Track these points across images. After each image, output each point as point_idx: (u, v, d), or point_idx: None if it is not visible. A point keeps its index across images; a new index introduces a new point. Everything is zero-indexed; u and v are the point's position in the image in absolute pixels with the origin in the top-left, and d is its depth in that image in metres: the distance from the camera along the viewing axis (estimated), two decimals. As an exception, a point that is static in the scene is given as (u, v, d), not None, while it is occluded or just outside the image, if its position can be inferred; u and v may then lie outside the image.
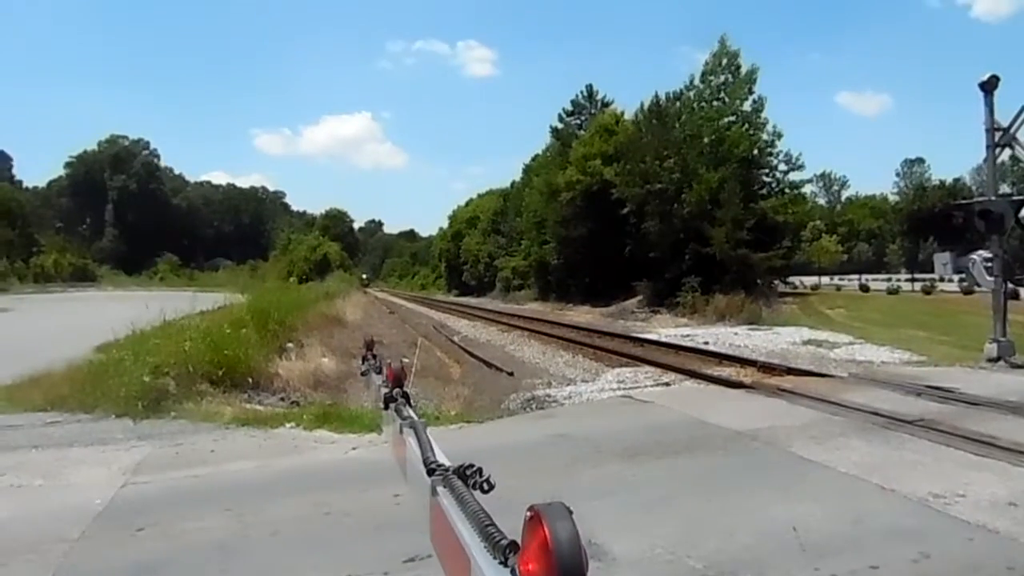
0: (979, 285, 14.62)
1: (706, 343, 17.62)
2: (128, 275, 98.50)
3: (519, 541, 0.92)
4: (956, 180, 76.83)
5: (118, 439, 7.52)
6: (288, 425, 8.16)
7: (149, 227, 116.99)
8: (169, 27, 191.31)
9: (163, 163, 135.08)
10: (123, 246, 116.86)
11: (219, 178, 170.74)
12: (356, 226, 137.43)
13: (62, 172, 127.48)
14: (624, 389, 11.27)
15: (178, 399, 9.01)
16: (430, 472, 1.35)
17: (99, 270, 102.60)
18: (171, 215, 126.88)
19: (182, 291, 21.60)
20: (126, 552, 4.46)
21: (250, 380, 10.49)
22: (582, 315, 32.41)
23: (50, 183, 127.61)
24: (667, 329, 23.11)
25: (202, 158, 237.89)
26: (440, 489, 1.27)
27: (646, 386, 11.56)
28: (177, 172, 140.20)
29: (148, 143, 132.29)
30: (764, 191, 32.07)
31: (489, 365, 15.31)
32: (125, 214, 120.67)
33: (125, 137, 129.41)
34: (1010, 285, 13.90)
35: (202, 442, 7.39)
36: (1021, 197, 13.71)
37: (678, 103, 34.34)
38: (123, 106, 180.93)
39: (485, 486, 1.22)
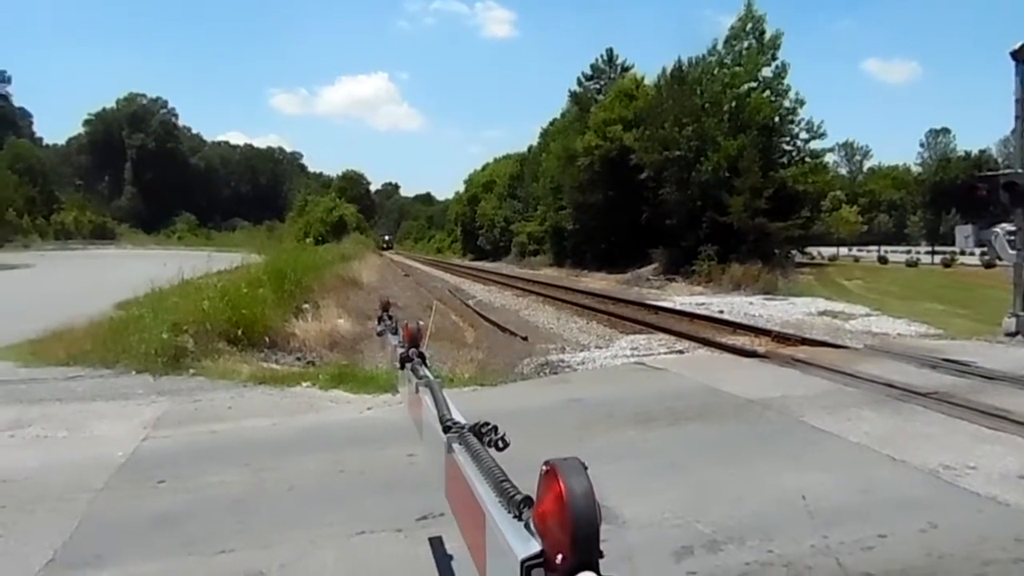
0: (1000, 259, 14.44)
1: (721, 312, 17.57)
2: (147, 233, 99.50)
3: (533, 497, 0.94)
4: (982, 152, 75.63)
5: (139, 394, 7.67)
6: (304, 384, 8.27)
7: (167, 186, 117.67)
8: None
9: (181, 122, 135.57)
10: (141, 205, 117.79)
11: (236, 138, 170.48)
12: (372, 188, 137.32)
13: (81, 130, 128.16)
14: (637, 356, 11.30)
15: (196, 357, 9.15)
16: (446, 429, 1.37)
17: (118, 228, 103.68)
18: (189, 174, 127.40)
19: (199, 250, 21.76)
20: (148, 503, 4.58)
21: (267, 339, 10.62)
22: (597, 281, 32.37)
23: (69, 140, 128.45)
24: (682, 297, 23.05)
25: (219, 118, 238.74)
26: (456, 446, 1.29)
27: (659, 353, 11.58)
28: (195, 132, 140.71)
29: (166, 102, 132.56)
30: (784, 160, 31.62)
31: (503, 329, 15.38)
32: (143, 172, 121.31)
33: (143, 95, 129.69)
34: (1032, 259, 13.65)
35: (220, 399, 7.52)
36: (1048, 170, 13.42)
37: (700, 68, 33.74)
38: (141, 65, 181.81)
39: (500, 444, 1.24)
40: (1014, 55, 12.79)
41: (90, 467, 5.19)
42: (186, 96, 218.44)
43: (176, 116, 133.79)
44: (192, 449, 5.79)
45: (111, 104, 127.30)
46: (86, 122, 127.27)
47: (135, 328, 9.53)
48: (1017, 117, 12.95)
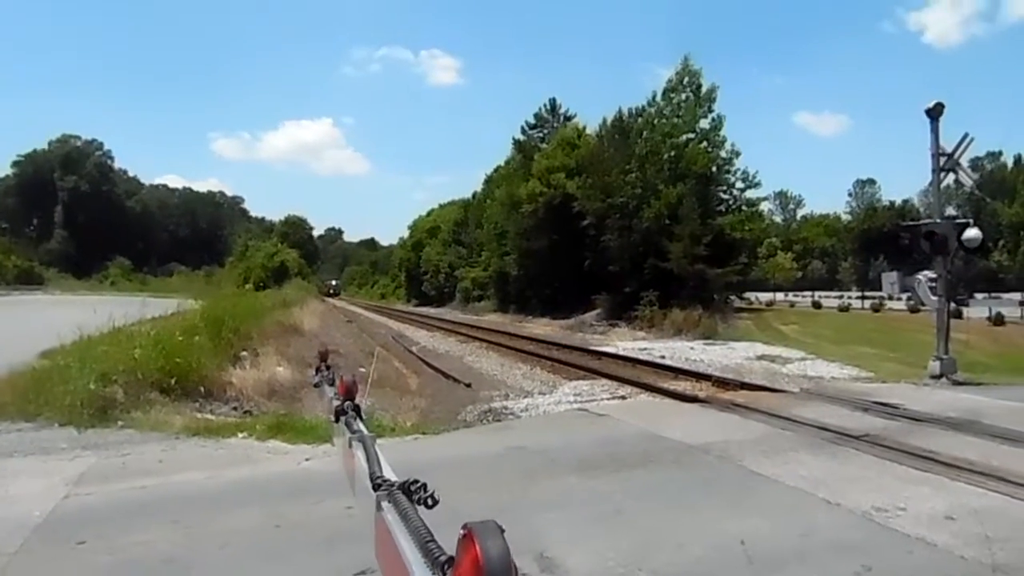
0: (924, 304, 15.11)
1: (663, 357, 17.84)
2: (77, 279, 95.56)
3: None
4: (905, 201, 79.67)
5: (61, 449, 7.29)
6: (240, 435, 8.01)
7: (101, 230, 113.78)
8: (125, 27, 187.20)
9: (117, 164, 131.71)
10: (72, 249, 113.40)
11: (175, 181, 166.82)
12: (316, 233, 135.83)
13: (9, 171, 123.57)
14: (581, 402, 11.35)
15: (126, 408, 8.77)
16: (376, 487, 1.35)
17: (47, 272, 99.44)
18: (124, 218, 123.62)
19: (134, 296, 21.06)
20: (66, 566, 4.33)
21: (202, 389, 10.27)
22: (541, 327, 32.54)
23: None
24: (625, 342, 23.34)
25: (158, 161, 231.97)
26: (385, 504, 1.27)
27: (602, 399, 11.66)
28: (132, 174, 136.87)
29: (101, 144, 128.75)
30: (722, 208, 32.75)
31: (447, 376, 15.27)
32: (76, 216, 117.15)
33: (77, 137, 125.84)
34: (953, 304, 14.38)
35: (150, 452, 7.22)
36: (964, 220, 14.23)
37: (640, 119, 34.88)
38: (75, 106, 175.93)
39: (429, 501, 1.23)
40: (929, 113, 13.64)
41: (3, 529, 4.87)
42: (123, 138, 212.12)
43: (112, 158, 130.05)
44: (118, 506, 5.51)
45: (43, 145, 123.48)
46: (14, 163, 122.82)
47: (59, 378, 9.11)
48: (934, 170, 13.74)
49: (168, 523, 5.05)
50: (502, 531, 0.82)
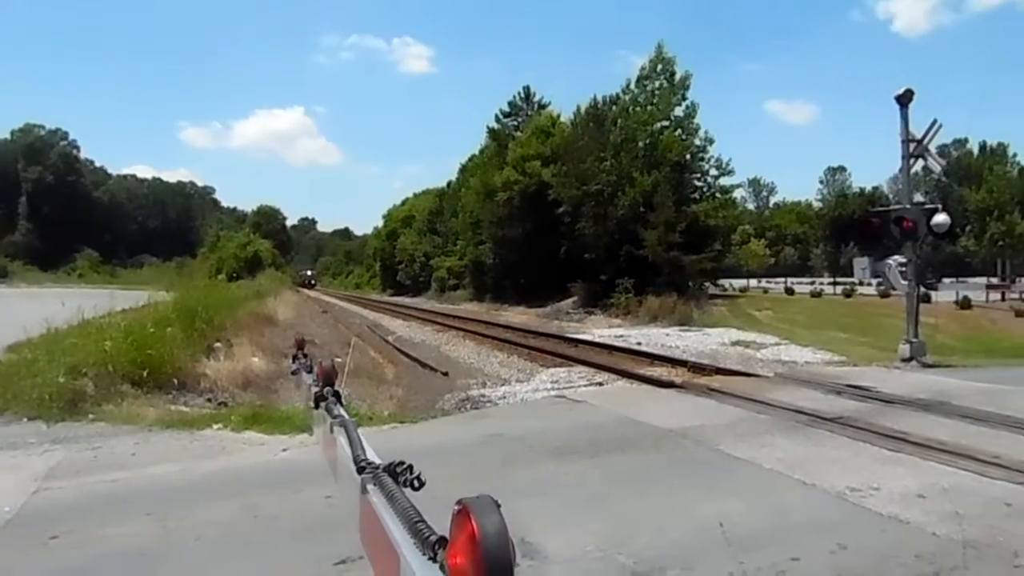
0: (894, 288, 15.37)
1: (638, 344, 17.95)
2: (44, 271, 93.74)
3: (448, 537, 0.92)
4: (875, 188, 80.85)
5: (30, 443, 7.15)
6: (215, 427, 7.91)
7: (67, 221, 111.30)
8: (92, 13, 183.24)
9: (83, 154, 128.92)
10: (38, 241, 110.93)
11: (144, 172, 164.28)
12: (289, 223, 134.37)
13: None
14: (558, 389, 11.37)
15: (97, 401, 8.62)
16: (360, 470, 1.33)
17: (11, 265, 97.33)
18: (91, 209, 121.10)
19: (103, 288, 20.68)
20: (38, 562, 4.24)
21: (175, 381, 10.13)
22: (517, 315, 32.55)
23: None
24: (601, 330, 23.44)
25: (125, 150, 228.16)
26: (370, 487, 1.25)
27: (579, 386, 11.69)
28: (99, 164, 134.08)
29: (66, 133, 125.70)
30: (696, 195, 32.92)
31: (423, 365, 15.22)
32: (40, 207, 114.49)
33: (41, 127, 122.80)
34: (922, 289, 14.64)
35: (122, 445, 7.10)
36: (933, 206, 14.47)
37: (614, 107, 34.90)
38: (39, 94, 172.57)
39: (416, 483, 1.21)
40: (898, 99, 13.82)
41: (-28, 525, 4.78)
42: (89, 128, 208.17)
43: (77, 148, 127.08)
44: (90, 500, 5.42)
45: (4, 135, 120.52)
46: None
47: (27, 372, 8.93)
48: (903, 156, 13.93)
49: (142, 516, 4.97)
50: (498, 506, 0.81)
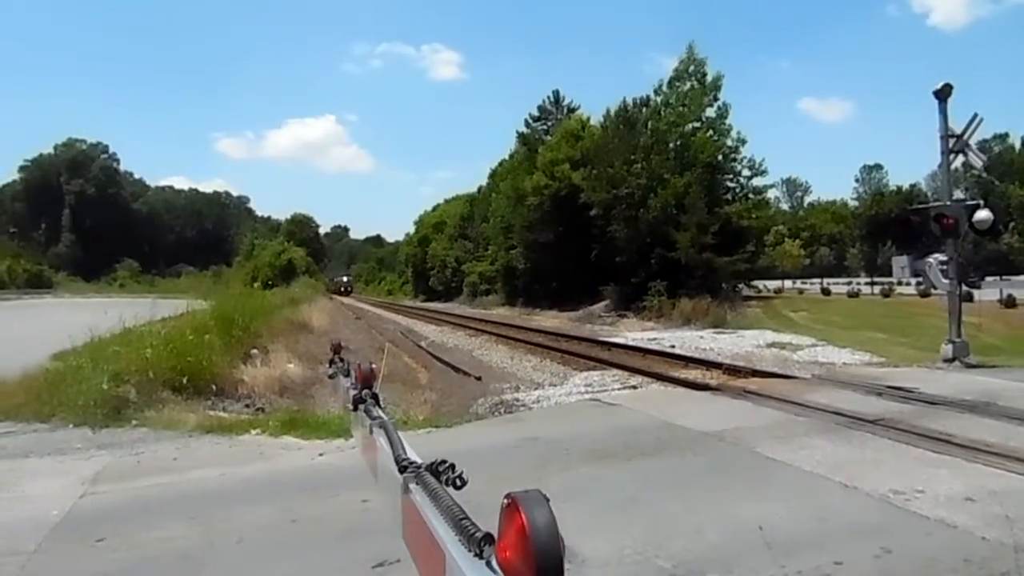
0: (935, 287, 15.00)
1: (672, 346, 17.79)
2: (86, 282, 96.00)
3: (494, 534, 0.92)
4: (912, 186, 79.04)
5: (76, 449, 7.33)
6: (253, 432, 8.03)
7: (108, 233, 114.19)
8: (128, 29, 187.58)
9: (123, 167, 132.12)
10: (80, 252, 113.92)
11: (181, 183, 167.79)
12: (322, 231, 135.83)
13: (16, 176, 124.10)
14: (592, 392, 11.33)
15: (139, 407, 8.81)
16: (402, 470, 1.34)
17: (56, 276, 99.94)
18: (131, 220, 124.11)
19: (143, 297, 21.14)
20: (85, 564, 4.34)
21: (214, 387, 10.32)
22: (549, 320, 32.49)
23: (3, 187, 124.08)
24: (634, 333, 23.28)
25: (163, 162, 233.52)
26: (412, 486, 1.26)
27: (613, 389, 11.63)
28: (137, 176, 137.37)
29: (107, 147, 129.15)
30: (728, 196, 32.52)
31: (457, 370, 15.26)
32: (83, 219, 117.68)
33: (83, 140, 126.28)
34: (964, 287, 14.25)
35: (164, 450, 7.24)
36: (975, 202, 14.11)
37: (645, 109, 34.71)
38: (80, 109, 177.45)
39: (458, 482, 1.21)
40: (937, 94, 13.52)
41: (22, 528, 4.90)
42: (128, 141, 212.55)
43: (117, 161, 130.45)
44: (134, 504, 5.53)
45: (48, 149, 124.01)
46: (22, 168, 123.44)
47: (73, 379, 9.15)
48: (943, 152, 13.62)
49: (185, 519, 5.06)
50: (547, 500, 0.81)
